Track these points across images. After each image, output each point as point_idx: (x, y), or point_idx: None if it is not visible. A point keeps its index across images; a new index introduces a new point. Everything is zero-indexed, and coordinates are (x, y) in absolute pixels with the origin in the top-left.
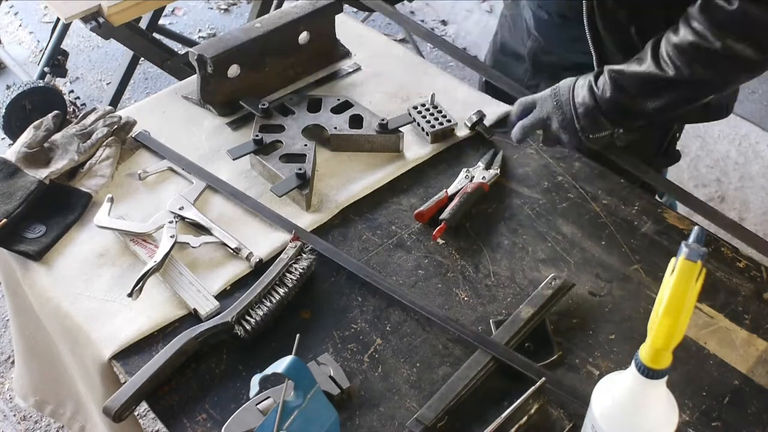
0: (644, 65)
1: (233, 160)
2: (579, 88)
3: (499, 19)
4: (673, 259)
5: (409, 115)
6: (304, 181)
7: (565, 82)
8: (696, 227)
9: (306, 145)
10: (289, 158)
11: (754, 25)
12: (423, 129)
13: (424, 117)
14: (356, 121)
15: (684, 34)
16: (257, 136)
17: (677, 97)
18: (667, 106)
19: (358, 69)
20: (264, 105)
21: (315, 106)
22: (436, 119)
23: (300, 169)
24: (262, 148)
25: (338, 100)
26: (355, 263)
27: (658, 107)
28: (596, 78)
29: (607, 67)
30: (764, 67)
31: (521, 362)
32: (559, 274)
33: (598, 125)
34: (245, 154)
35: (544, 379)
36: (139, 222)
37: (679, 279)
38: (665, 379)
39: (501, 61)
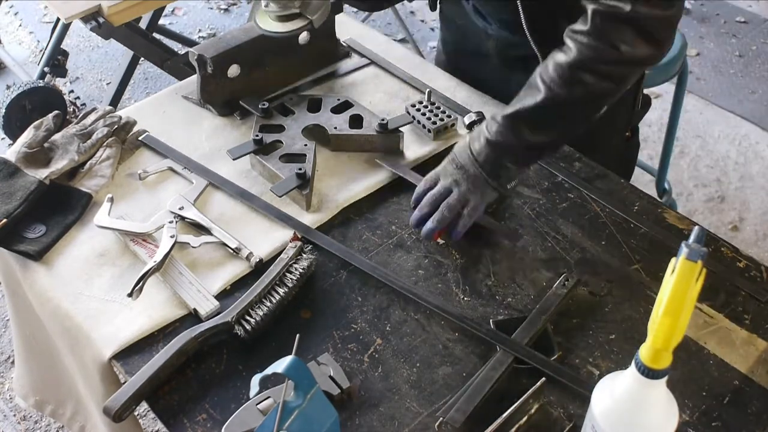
0: (539, 96)
1: (233, 159)
2: (474, 141)
3: (441, 26)
4: (673, 259)
5: (408, 113)
6: (304, 181)
7: (459, 147)
8: (696, 227)
9: (306, 145)
10: (289, 158)
11: (648, 22)
12: (424, 126)
13: (423, 114)
14: (356, 121)
15: (575, 49)
16: (257, 136)
17: (578, 113)
18: (570, 125)
19: (370, 64)
20: (264, 105)
21: (315, 106)
22: (436, 116)
23: (300, 169)
24: (262, 148)
25: (338, 100)
26: (369, 263)
27: (562, 130)
28: (488, 126)
29: (497, 114)
30: (658, 60)
31: (541, 361)
32: (559, 274)
33: (509, 173)
34: (245, 154)
35: (544, 379)
36: (139, 222)
37: (679, 279)
38: (665, 379)
39: (461, 61)
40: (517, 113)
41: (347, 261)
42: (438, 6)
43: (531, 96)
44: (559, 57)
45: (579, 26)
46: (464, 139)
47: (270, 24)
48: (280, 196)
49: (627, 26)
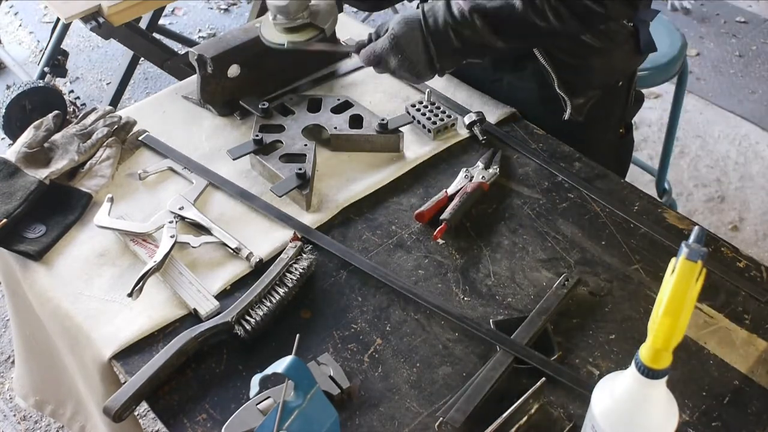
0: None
1: (233, 159)
2: (430, 13)
3: None
4: (673, 259)
5: (408, 113)
6: (304, 181)
7: (400, 16)
8: (696, 227)
9: (306, 145)
10: (289, 158)
11: None
12: (424, 126)
13: (423, 114)
14: (356, 121)
15: None
16: (257, 136)
17: (535, 33)
18: (525, 39)
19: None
20: (264, 105)
21: (315, 106)
22: (436, 115)
23: (300, 169)
24: (262, 148)
25: (338, 100)
26: (369, 263)
27: (518, 41)
28: (449, 2)
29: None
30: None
31: (541, 361)
32: (559, 273)
33: (455, 52)
34: (245, 154)
35: (544, 379)
36: (139, 222)
37: (679, 279)
38: (665, 379)
39: None
40: (479, 7)
41: (347, 261)
42: None
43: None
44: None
45: None
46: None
47: (279, 36)
48: (280, 196)
49: None
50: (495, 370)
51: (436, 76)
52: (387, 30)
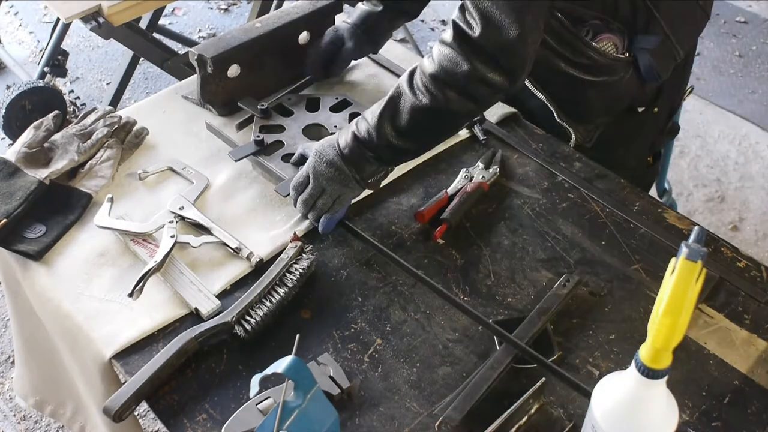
0: (406, 101)
1: (235, 161)
2: (341, 135)
3: None
4: (673, 259)
5: None
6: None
7: (322, 143)
8: (696, 227)
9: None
10: (291, 158)
11: (495, 51)
12: None
13: None
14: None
15: (437, 60)
16: (258, 136)
17: (440, 124)
18: (433, 134)
19: (370, 63)
20: (263, 106)
21: (313, 105)
22: None
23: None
24: (263, 149)
25: (336, 99)
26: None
27: (425, 139)
28: (357, 123)
29: (366, 113)
30: (511, 88)
31: (541, 361)
32: (560, 274)
33: (373, 168)
34: (247, 156)
35: (544, 379)
36: (139, 222)
37: (679, 279)
38: (665, 379)
39: None
40: (384, 114)
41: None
42: None
43: (397, 101)
44: (426, 65)
45: (446, 36)
46: (332, 137)
47: None
48: (285, 196)
49: (478, 49)
50: (493, 369)
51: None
52: (316, 157)
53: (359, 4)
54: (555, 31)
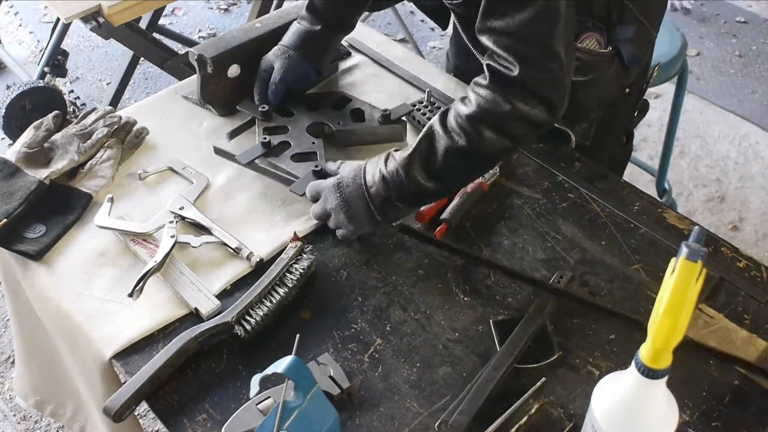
0: (440, 144)
1: (244, 164)
2: (368, 172)
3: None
4: (673, 260)
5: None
6: (323, 178)
7: (349, 173)
8: (696, 227)
9: (314, 143)
10: (301, 157)
11: (536, 86)
12: (424, 126)
13: (424, 114)
14: (357, 115)
15: (474, 102)
16: (264, 138)
17: (474, 165)
18: (464, 175)
19: (370, 63)
20: (264, 108)
21: (314, 104)
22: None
23: (316, 166)
24: (271, 150)
25: (335, 96)
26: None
27: (455, 180)
28: (386, 163)
29: (395, 153)
30: (552, 121)
31: (541, 362)
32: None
33: (397, 211)
34: (256, 158)
35: (544, 379)
36: (139, 222)
37: (679, 279)
38: (665, 379)
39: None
40: (414, 156)
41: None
42: (450, 24)
43: (430, 142)
44: (461, 108)
45: (480, 79)
46: (351, 164)
47: None
48: (300, 195)
49: (518, 87)
50: (496, 370)
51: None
52: (337, 187)
53: (294, 23)
54: None
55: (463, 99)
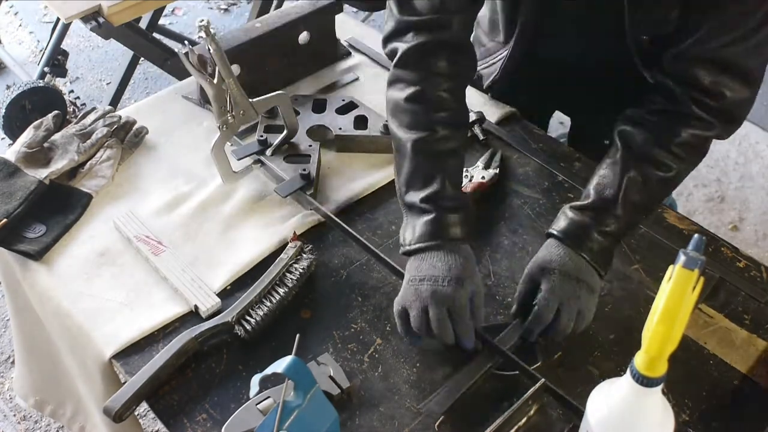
0: (670, 173)
1: (237, 160)
2: (583, 244)
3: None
4: (671, 267)
5: None
6: (308, 182)
7: (552, 259)
8: (696, 235)
9: (311, 145)
10: (294, 159)
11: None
12: None
13: None
14: (361, 122)
15: (695, 130)
16: (262, 136)
17: (665, 194)
18: (656, 204)
19: (356, 80)
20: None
21: (320, 106)
22: None
23: (304, 169)
24: (266, 149)
25: (343, 100)
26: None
27: (651, 210)
28: (604, 221)
29: (614, 205)
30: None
31: (540, 363)
32: None
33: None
34: (249, 155)
35: (543, 380)
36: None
37: (675, 287)
38: (661, 386)
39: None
40: (646, 202)
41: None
42: None
43: (654, 173)
44: (684, 134)
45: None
46: (536, 259)
47: None
48: (284, 197)
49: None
50: (476, 370)
51: None
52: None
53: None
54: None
55: (673, 131)
